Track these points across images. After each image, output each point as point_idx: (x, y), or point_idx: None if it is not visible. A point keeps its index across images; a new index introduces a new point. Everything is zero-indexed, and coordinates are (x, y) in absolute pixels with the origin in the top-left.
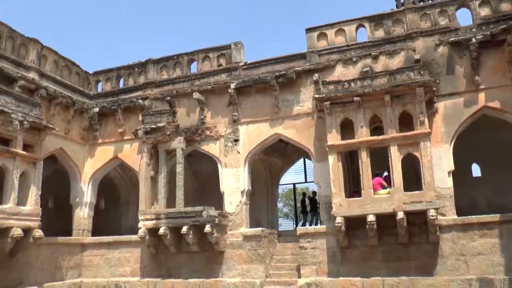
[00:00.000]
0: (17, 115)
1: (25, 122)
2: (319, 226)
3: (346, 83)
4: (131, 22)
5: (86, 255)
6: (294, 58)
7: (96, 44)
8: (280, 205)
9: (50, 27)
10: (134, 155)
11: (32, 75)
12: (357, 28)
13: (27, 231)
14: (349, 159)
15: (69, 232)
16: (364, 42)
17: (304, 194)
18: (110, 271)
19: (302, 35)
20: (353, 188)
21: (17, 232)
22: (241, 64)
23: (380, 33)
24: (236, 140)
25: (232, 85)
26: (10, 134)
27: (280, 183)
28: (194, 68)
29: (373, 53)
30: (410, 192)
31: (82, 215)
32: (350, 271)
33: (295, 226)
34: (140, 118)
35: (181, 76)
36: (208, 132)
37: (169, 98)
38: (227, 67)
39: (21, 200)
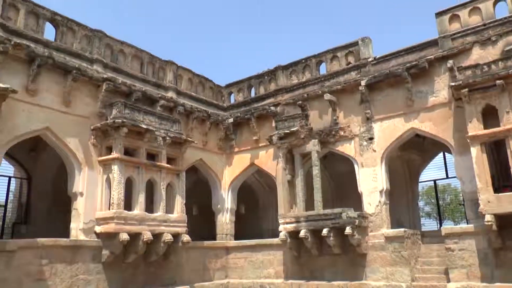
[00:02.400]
0: (160, 132)
1: (168, 138)
2: (465, 225)
3: (485, 66)
4: (257, 30)
5: (231, 257)
6: (424, 46)
7: (225, 57)
8: (421, 203)
9: (182, 47)
10: (270, 161)
11: (170, 94)
12: (494, 4)
13: (176, 236)
14: (495, 149)
15: (213, 237)
16: (505, 18)
17: None
18: (255, 273)
19: (432, 20)
20: (501, 182)
21: (167, 237)
22: (370, 59)
23: None
24: (371, 138)
25: (363, 82)
26: (155, 149)
27: (419, 180)
28: (323, 69)
29: None
30: None
31: (224, 220)
32: (507, 276)
33: (439, 225)
34: (273, 124)
35: (311, 79)
36: (342, 133)
37: (300, 102)
38: (356, 64)
39: (169, 208)
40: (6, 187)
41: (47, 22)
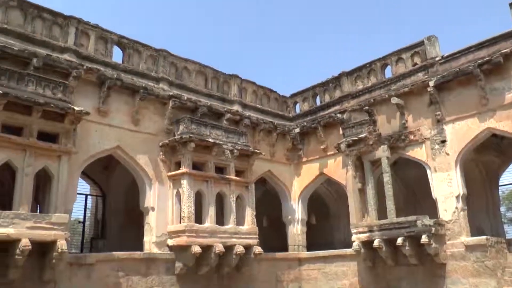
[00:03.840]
0: (227, 145)
1: (235, 151)
2: None
3: None
4: (317, 37)
5: (304, 269)
6: (498, 39)
7: (287, 67)
8: (502, 209)
9: (244, 59)
10: (339, 169)
11: (235, 107)
12: None
13: (247, 248)
14: None
15: (285, 248)
16: None
17: None
18: (329, 284)
19: (505, 11)
20: None
21: (239, 249)
22: (437, 58)
23: None
24: (443, 141)
25: (431, 83)
26: (223, 163)
27: (499, 184)
28: (388, 72)
29: None
30: None
31: (296, 231)
32: None
33: None
34: (341, 132)
35: (376, 83)
36: (411, 137)
37: (367, 107)
38: (423, 64)
39: (239, 220)
40: (84, 204)
41: (114, 45)
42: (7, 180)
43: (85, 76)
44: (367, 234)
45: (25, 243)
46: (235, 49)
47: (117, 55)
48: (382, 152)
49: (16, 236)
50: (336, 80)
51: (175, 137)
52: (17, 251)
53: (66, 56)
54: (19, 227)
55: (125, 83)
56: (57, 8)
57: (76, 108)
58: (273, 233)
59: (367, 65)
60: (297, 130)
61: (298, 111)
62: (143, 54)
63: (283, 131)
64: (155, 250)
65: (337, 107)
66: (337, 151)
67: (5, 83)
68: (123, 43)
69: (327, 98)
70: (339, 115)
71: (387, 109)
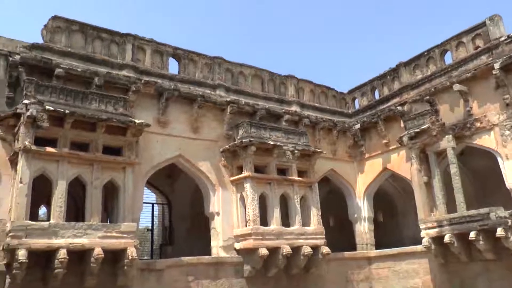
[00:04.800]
0: (288, 146)
1: (296, 151)
2: None
3: None
4: (372, 30)
5: (374, 268)
6: None
7: (343, 63)
8: None
9: (299, 59)
10: (403, 163)
11: (294, 108)
12: None
13: (314, 248)
14: None
15: (353, 247)
16: None
17: None
18: (400, 283)
19: None
20: None
21: (306, 250)
22: (502, 38)
23: None
24: None
25: (496, 65)
26: (285, 164)
27: None
28: (448, 58)
29: None
30: None
31: (363, 229)
32: None
33: None
34: (402, 124)
35: (436, 71)
36: (478, 124)
37: (427, 97)
38: (486, 47)
39: (305, 221)
40: (151, 212)
41: (170, 57)
42: (78, 195)
43: (144, 90)
44: (436, 230)
45: (98, 252)
46: (289, 49)
47: (173, 66)
48: (447, 143)
49: (90, 246)
50: (394, 72)
51: (235, 142)
52: (92, 259)
53: (124, 72)
54: (92, 237)
55: (183, 93)
56: (112, 27)
57: (137, 121)
58: (340, 232)
59: (425, 53)
60: (357, 126)
61: (357, 106)
62: (198, 63)
63: (343, 128)
64: (222, 254)
65: (396, 100)
66: (399, 145)
67: (71, 103)
68: (178, 54)
69: (386, 91)
70: (399, 108)
71: (449, 97)
